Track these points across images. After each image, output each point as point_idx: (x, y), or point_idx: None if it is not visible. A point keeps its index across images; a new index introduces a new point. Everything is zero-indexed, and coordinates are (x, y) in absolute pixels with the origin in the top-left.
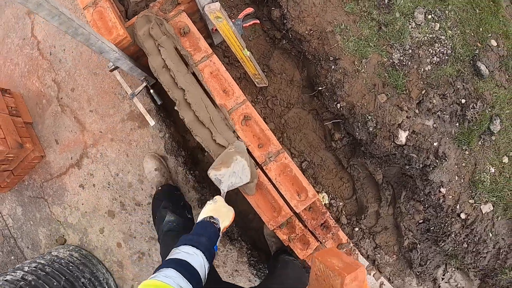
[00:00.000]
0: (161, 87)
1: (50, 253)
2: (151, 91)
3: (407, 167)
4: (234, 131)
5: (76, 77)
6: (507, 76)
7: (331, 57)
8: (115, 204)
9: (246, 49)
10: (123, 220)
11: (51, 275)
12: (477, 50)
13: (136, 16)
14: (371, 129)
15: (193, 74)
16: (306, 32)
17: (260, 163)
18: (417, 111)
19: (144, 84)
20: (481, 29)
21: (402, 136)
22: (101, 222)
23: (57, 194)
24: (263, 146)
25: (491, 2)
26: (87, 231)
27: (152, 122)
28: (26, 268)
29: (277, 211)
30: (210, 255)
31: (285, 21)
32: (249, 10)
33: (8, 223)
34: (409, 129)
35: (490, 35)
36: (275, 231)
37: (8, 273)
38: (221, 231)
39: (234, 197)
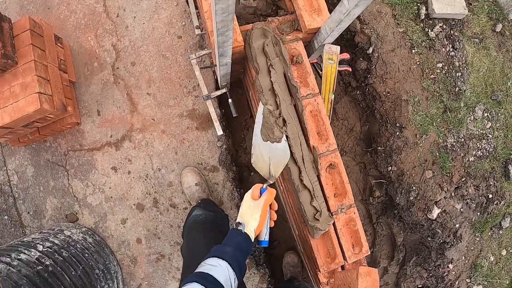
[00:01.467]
0: (233, 97)
1: (62, 231)
2: (230, 100)
3: (429, 239)
4: (318, 175)
5: (141, 52)
6: None
7: (397, 124)
8: (148, 199)
9: (332, 93)
10: (152, 218)
11: (68, 262)
12: None
13: (252, 24)
14: (411, 198)
15: (294, 106)
16: (384, 92)
17: (331, 211)
18: (453, 194)
19: (224, 90)
20: None
21: (435, 212)
22: (125, 213)
23: (83, 168)
24: (338, 196)
25: None
26: (106, 217)
27: (220, 132)
28: (40, 248)
29: (331, 258)
30: (238, 265)
31: (368, 75)
32: (346, 56)
33: (12, 179)
34: (442, 208)
35: None
36: (318, 274)
37: (20, 249)
38: (252, 235)
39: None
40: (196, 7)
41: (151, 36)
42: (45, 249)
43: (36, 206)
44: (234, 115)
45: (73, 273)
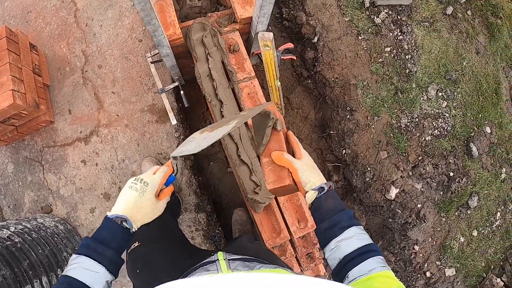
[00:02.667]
0: (189, 90)
1: (35, 219)
2: (182, 92)
3: (390, 220)
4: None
5: (107, 55)
6: (492, 161)
7: (348, 107)
8: (113, 188)
9: (278, 80)
10: None
11: (37, 242)
12: (473, 133)
13: (192, 20)
14: (367, 179)
15: (232, 90)
16: (332, 79)
17: None
18: (410, 173)
19: (176, 83)
20: (480, 115)
21: (393, 192)
22: (94, 202)
23: (56, 163)
24: None
25: (494, 94)
26: (77, 206)
27: (174, 121)
28: (12, 228)
29: (276, 233)
30: (116, 269)
31: (316, 63)
32: (290, 45)
33: None
34: (400, 188)
35: (486, 122)
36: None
37: None
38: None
39: (220, 175)
40: None
41: (116, 41)
42: (17, 230)
43: (16, 200)
44: (186, 105)
45: (40, 251)
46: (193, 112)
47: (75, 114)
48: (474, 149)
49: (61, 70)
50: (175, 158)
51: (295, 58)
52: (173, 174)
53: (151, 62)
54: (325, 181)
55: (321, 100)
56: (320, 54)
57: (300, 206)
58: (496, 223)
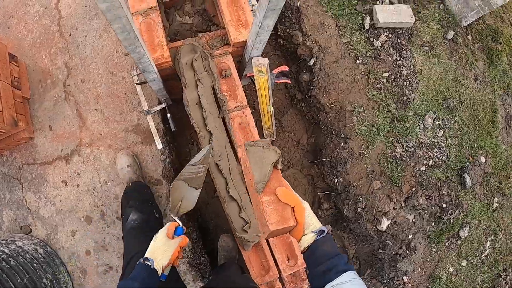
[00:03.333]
0: (177, 111)
1: (14, 241)
2: (168, 115)
3: (380, 251)
4: (246, 187)
5: (91, 69)
6: (485, 191)
7: (342, 135)
8: (95, 211)
9: (271, 105)
10: (99, 230)
11: (15, 270)
12: (467, 163)
13: (182, 41)
14: (359, 209)
15: (222, 119)
16: (327, 104)
17: None
18: (403, 204)
19: (164, 105)
20: (475, 144)
21: (385, 223)
22: (75, 225)
23: (36, 181)
24: None
25: (490, 122)
26: (57, 229)
27: (159, 145)
28: None
29: (265, 270)
30: None
31: (311, 87)
32: (285, 68)
33: None
34: (392, 219)
35: (481, 151)
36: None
37: None
38: (161, 269)
39: (207, 199)
40: None
41: (100, 54)
42: None
43: None
44: (172, 129)
45: (18, 280)
46: (180, 133)
47: (56, 131)
48: (468, 179)
49: (42, 82)
50: (176, 217)
51: (289, 82)
52: (180, 226)
53: (137, 83)
54: (321, 224)
55: (315, 125)
56: (316, 77)
57: (291, 244)
58: (486, 253)
